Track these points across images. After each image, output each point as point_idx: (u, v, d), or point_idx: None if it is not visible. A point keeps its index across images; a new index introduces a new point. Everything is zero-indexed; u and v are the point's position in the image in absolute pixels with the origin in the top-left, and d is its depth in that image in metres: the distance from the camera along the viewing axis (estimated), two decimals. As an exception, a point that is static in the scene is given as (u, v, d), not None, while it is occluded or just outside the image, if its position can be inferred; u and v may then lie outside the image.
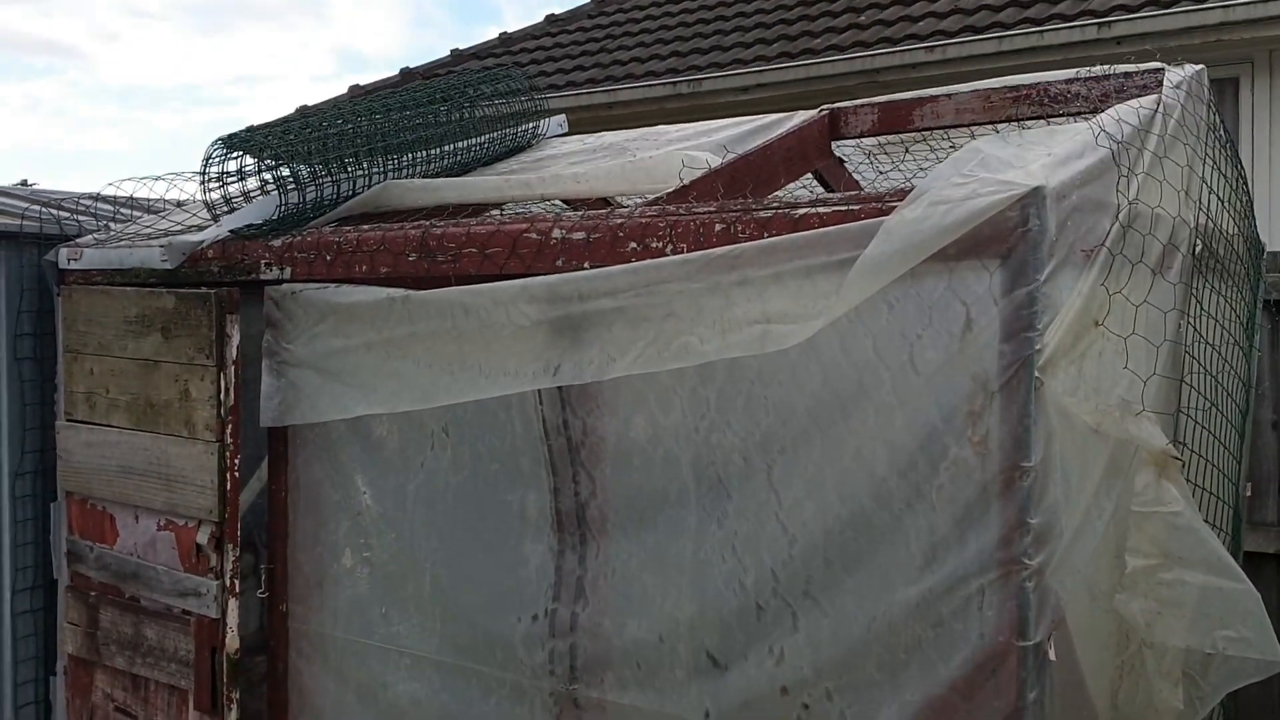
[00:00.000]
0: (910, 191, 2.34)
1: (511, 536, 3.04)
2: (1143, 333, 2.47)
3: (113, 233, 3.96)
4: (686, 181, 3.17)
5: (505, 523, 3.05)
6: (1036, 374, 2.24)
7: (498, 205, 3.79)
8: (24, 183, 7.45)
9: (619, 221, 2.75)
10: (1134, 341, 2.45)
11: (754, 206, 2.62)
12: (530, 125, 4.47)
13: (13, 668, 4.01)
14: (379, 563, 3.30)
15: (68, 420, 3.90)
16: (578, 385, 2.85)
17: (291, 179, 3.43)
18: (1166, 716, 2.65)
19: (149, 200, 4.19)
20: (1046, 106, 3.28)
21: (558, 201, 3.92)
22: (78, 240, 3.95)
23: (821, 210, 2.46)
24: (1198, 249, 2.94)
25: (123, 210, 4.29)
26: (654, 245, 2.65)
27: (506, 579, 3.04)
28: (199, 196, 3.56)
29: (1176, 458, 2.45)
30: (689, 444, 2.73)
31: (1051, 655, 2.31)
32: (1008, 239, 2.24)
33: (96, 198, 4.38)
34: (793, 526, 2.58)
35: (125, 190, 4.08)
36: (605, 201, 3.98)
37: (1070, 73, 3.31)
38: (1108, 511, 2.60)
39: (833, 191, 3.72)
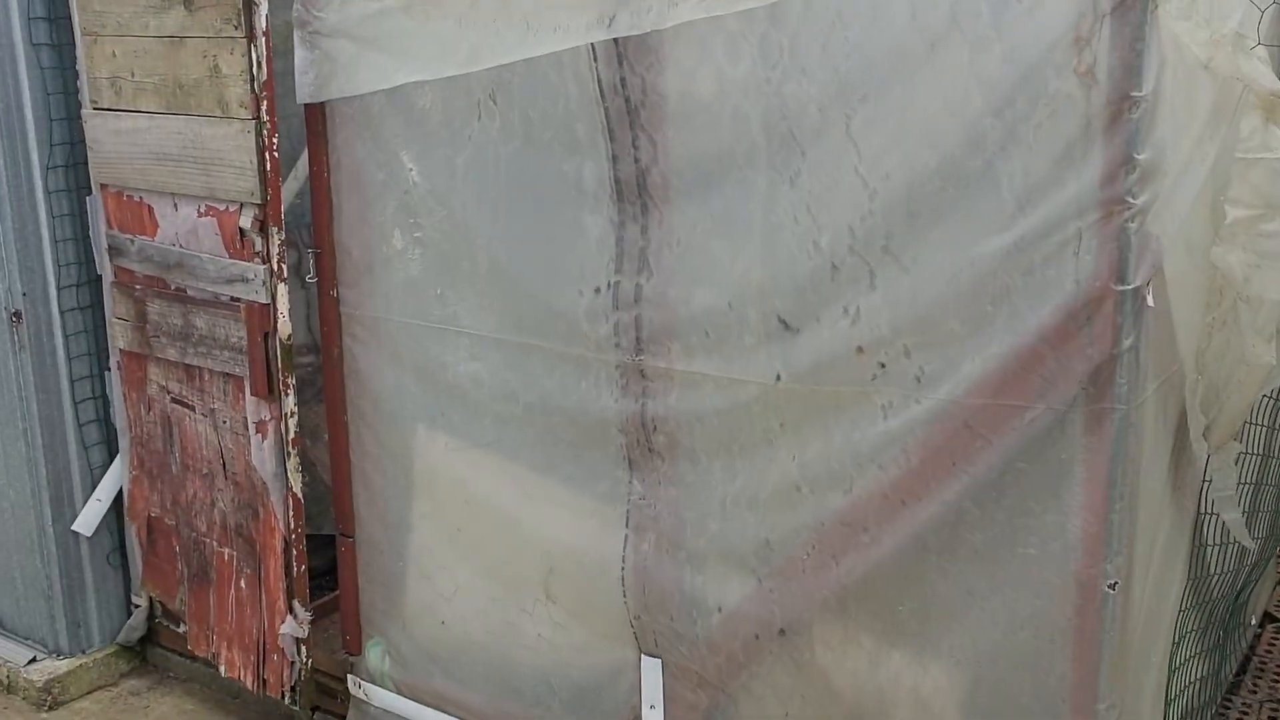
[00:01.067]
0: None
1: (569, 209, 2.90)
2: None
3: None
4: None
5: (562, 194, 2.90)
6: (1154, -8, 2.02)
7: None
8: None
9: None
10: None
11: None
12: None
13: (67, 364, 4.00)
14: (431, 242, 3.19)
15: (94, 108, 3.73)
16: (635, 37, 2.64)
17: None
18: (1257, 372, 2.56)
19: None
20: None
21: None
22: (83, -90, 3.66)
23: None
24: None
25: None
26: None
27: (565, 253, 2.93)
28: None
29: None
30: (759, 98, 2.55)
31: (1150, 301, 2.20)
32: None
33: None
34: (873, 180, 2.42)
35: None
36: None
37: None
38: (1210, 158, 2.43)
39: None
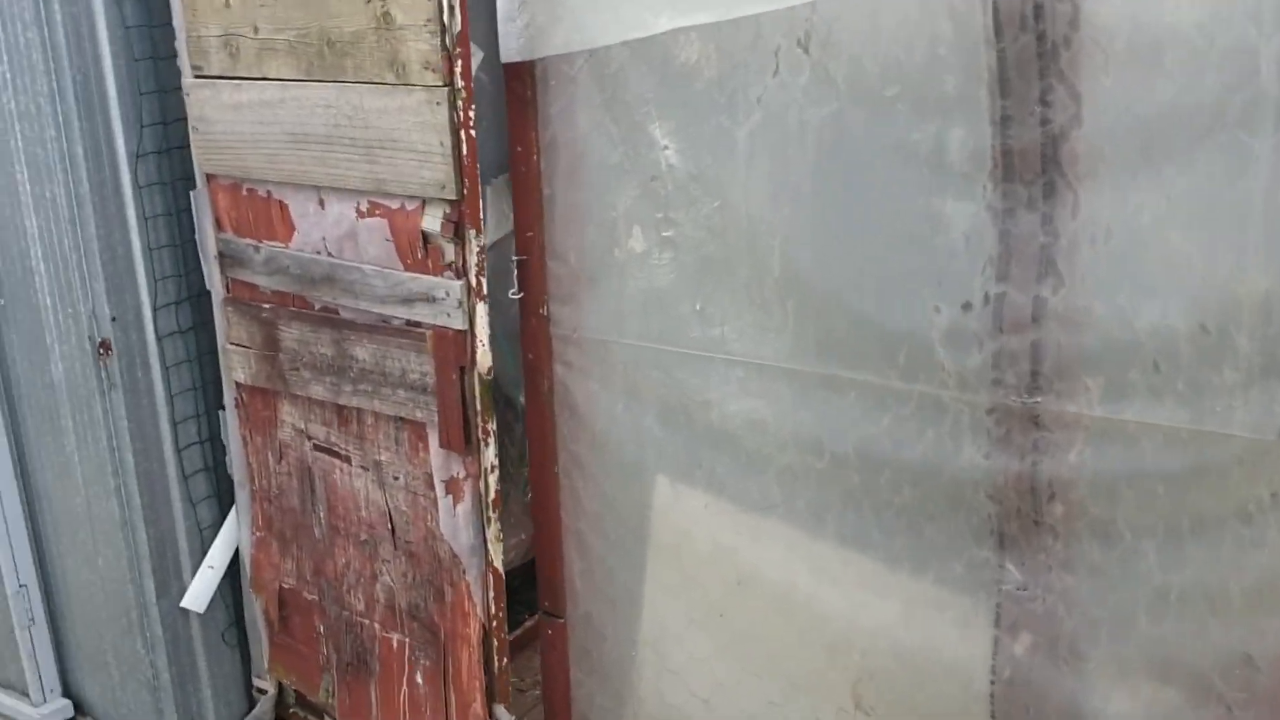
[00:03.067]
0: None
1: (918, 193, 2.10)
2: None
3: None
4: None
5: (907, 174, 2.10)
6: None
7: None
8: None
9: None
10: None
11: None
12: None
13: (167, 403, 3.18)
14: (690, 243, 2.38)
15: (198, 77, 2.88)
16: (1066, -53, 1.83)
17: None
18: None
19: None
20: None
21: None
22: None
23: None
24: None
25: None
26: None
27: (911, 255, 2.13)
28: None
29: None
30: (1274, 28, 1.74)
31: None
32: None
33: None
34: None
35: None
36: None
37: None
38: None
39: None
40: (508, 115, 2.54)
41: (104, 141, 2.97)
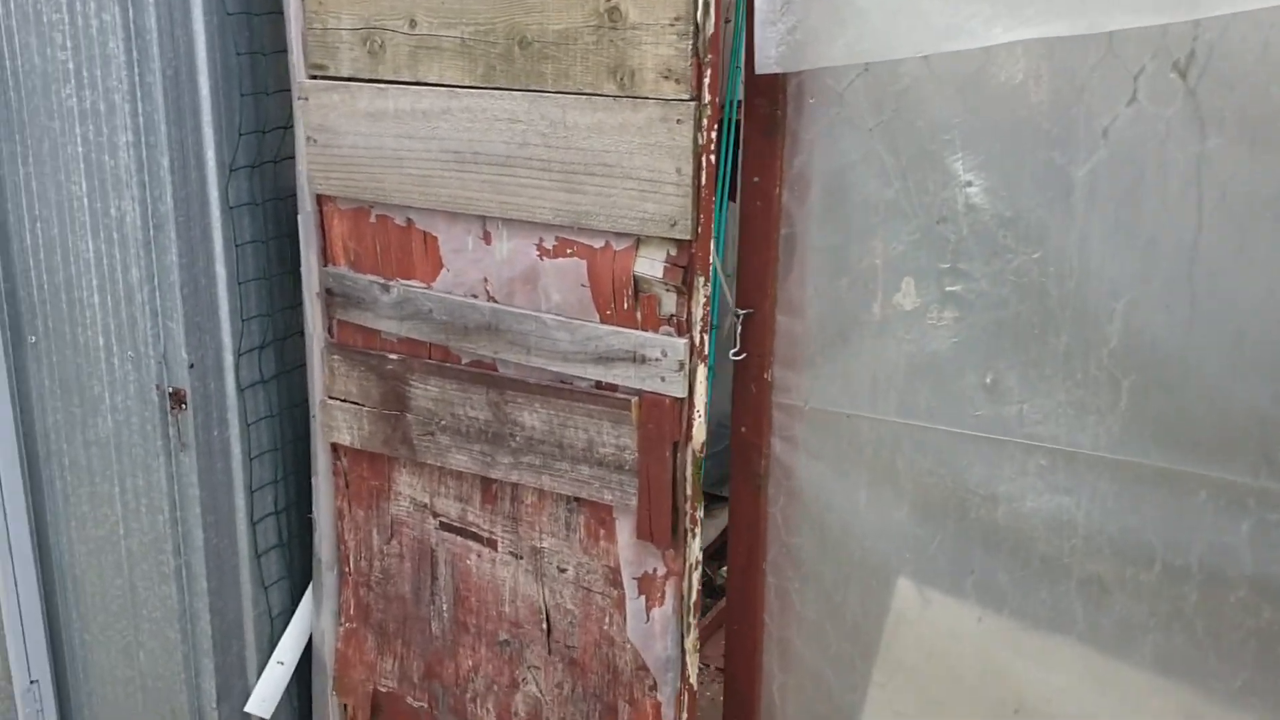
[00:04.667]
0: None
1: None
2: None
3: None
4: None
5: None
6: None
7: None
8: None
9: None
10: None
11: None
12: None
13: (244, 468, 2.63)
14: (986, 301, 1.96)
15: (319, 78, 2.37)
16: None
17: None
18: None
19: None
20: None
21: None
22: None
23: None
24: None
25: None
26: None
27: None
28: None
29: None
30: None
31: None
32: None
33: None
34: None
35: None
36: None
37: None
38: None
39: None
40: (745, 139, 2.09)
41: (193, 152, 2.43)
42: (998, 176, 1.90)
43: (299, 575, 2.82)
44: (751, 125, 2.07)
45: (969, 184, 1.92)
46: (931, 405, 2.04)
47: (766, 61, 1.95)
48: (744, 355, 2.16)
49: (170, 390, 2.53)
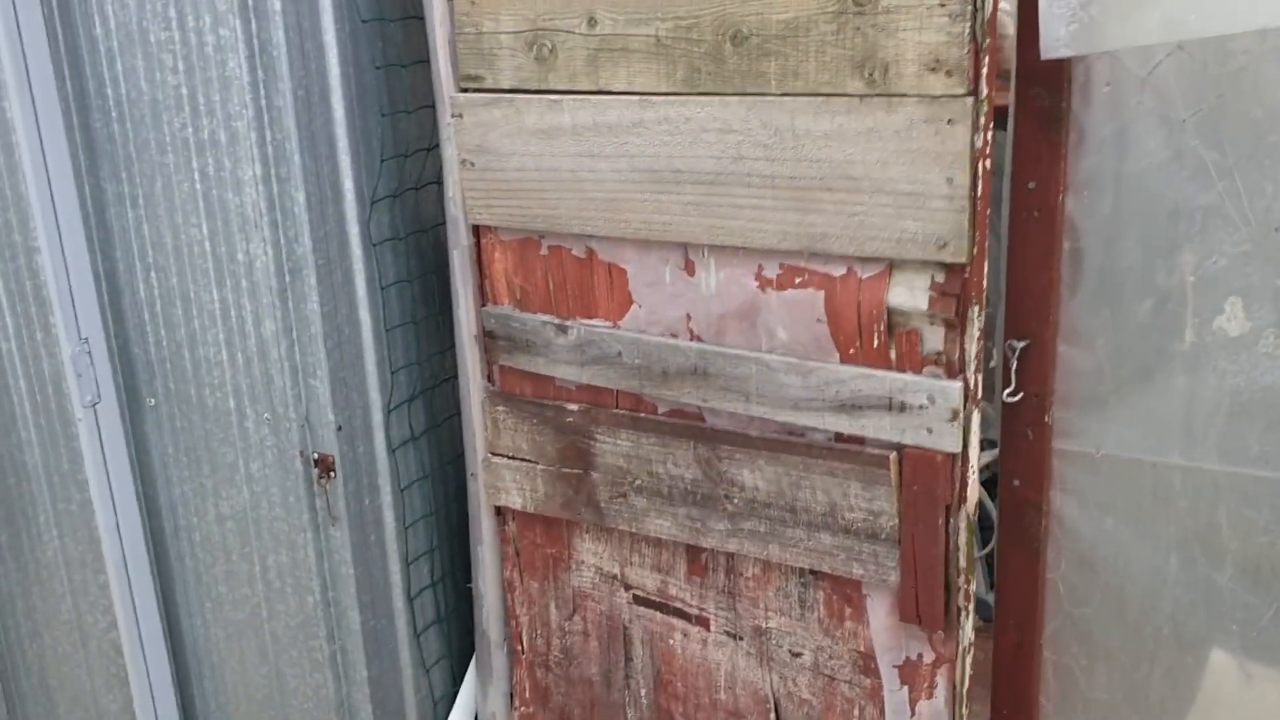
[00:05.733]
0: None
1: None
2: None
3: None
4: None
5: None
6: None
7: None
8: None
9: None
10: None
11: None
12: None
13: (399, 538, 2.31)
14: (1342, 324, 1.58)
15: (471, 90, 2.02)
16: None
17: None
18: None
19: None
20: None
21: None
22: None
23: None
24: None
25: None
26: None
27: None
28: None
29: None
30: None
31: None
32: None
33: None
34: None
35: None
36: None
37: None
38: None
39: None
40: (1016, 137, 1.72)
41: (329, 184, 2.10)
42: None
43: (458, 653, 2.51)
44: (1025, 121, 1.70)
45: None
46: (1266, 449, 1.67)
47: (1054, 43, 1.58)
48: (1019, 395, 1.79)
49: (315, 456, 2.20)
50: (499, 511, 2.29)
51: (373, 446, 2.25)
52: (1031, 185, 1.72)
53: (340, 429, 2.19)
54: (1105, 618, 1.86)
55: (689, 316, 1.93)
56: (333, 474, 2.21)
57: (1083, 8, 1.57)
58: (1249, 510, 1.71)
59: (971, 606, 1.81)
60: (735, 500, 1.94)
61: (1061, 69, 1.66)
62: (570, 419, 2.10)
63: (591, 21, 1.87)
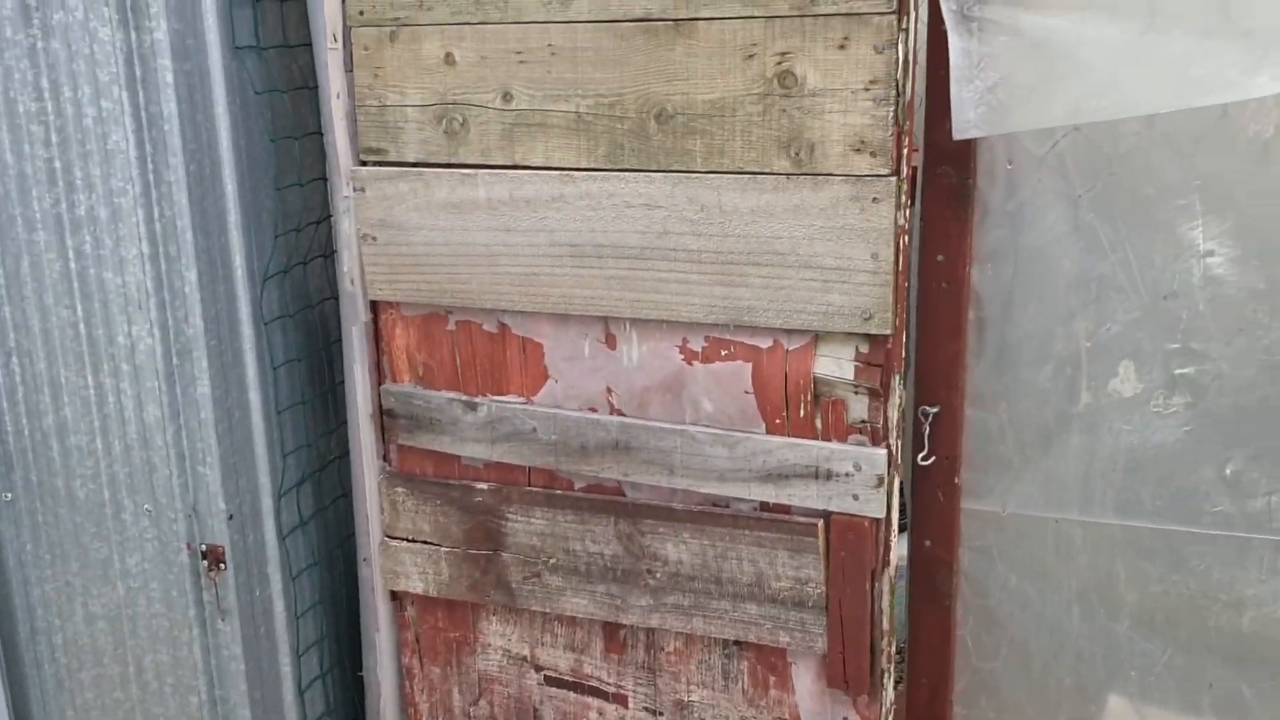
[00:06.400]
0: None
1: None
2: None
3: None
4: None
5: None
6: None
7: None
8: None
9: None
10: None
11: None
12: None
13: (290, 629, 2.21)
14: (1227, 384, 1.74)
15: (373, 162, 1.99)
16: None
17: None
18: None
19: None
20: None
21: None
22: None
23: None
24: None
25: None
26: None
27: None
28: None
29: None
30: None
31: None
32: None
33: None
34: None
35: None
36: None
37: None
38: None
39: None
40: (924, 212, 1.82)
41: (220, 260, 2.02)
42: (1249, 244, 1.67)
43: (348, 743, 2.40)
44: (934, 197, 1.80)
45: (1209, 254, 1.69)
46: (1158, 504, 1.80)
47: (965, 125, 1.68)
48: (931, 459, 1.87)
49: (204, 548, 2.09)
50: (396, 596, 2.21)
51: (263, 534, 2.15)
52: (941, 258, 1.81)
53: (231, 517, 2.08)
54: (1012, 671, 1.94)
55: (610, 390, 1.93)
56: (223, 565, 2.09)
57: (990, 91, 1.67)
58: (1144, 562, 1.83)
59: (893, 668, 1.86)
60: (658, 574, 1.94)
61: (968, 149, 1.76)
62: (478, 498, 2.06)
63: (507, 97, 1.87)
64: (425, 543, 2.13)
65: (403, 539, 2.15)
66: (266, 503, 2.14)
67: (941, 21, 1.66)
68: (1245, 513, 1.76)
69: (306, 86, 2.10)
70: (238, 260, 2.04)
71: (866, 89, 1.64)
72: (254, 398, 2.10)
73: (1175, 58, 1.57)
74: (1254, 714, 1.82)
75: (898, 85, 1.63)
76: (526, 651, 2.13)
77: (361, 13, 1.94)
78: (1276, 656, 1.79)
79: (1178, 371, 1.75)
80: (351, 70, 1.99)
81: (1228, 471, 1.76)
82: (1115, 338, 1.77)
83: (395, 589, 2.19)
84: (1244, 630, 1.80)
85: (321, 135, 2.09)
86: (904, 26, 1.61)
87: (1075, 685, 1.91)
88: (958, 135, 1.69)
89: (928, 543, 1.93)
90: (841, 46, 1.64)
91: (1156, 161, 1.69)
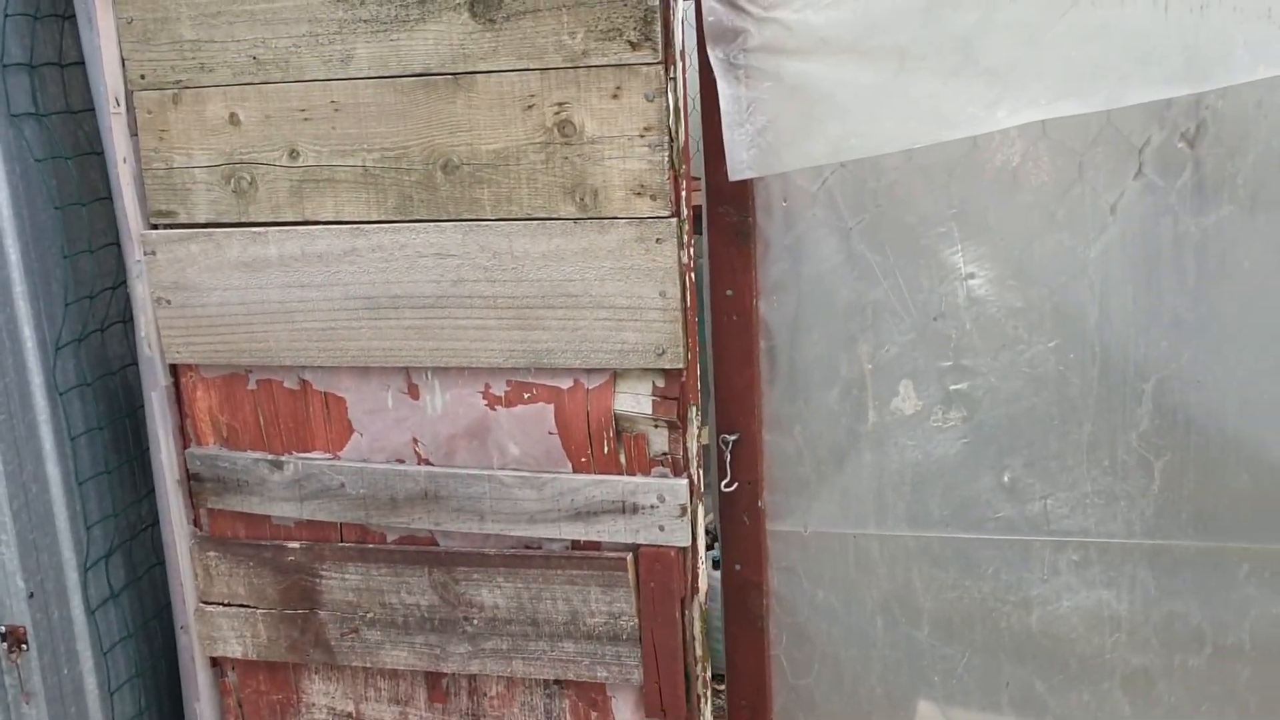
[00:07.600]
0: None
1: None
2: None
3: None
4: None
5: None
6: None
7: None
8: None
9: None
10: None
11: None
12: None
13: (104, 707, 2.14)
14: (996, 397, 1.85)
15: (163, 225, 1.98)
16: None
17: None
18: None
19: None
20: None
21: None
22: None
23: None
24: None
25: None
26: None
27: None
28: None
29: None
30: None
31: None
32: None
33: None
34: None
35: None
36: None
37: None
38: None
39: None
40: (710, 249, 1.89)
41: (6, 332, 1.96)
42: (1004, 266, 1.79)
43: (173, 820, 2.33)
44: (718, 235, 1.87)
45: (970, 276, 1.80)
46: (945, 514, 1.90)
47: (739, 166, 1.76)
48: (735, 485, 1.94)
49: (3, 629, 2.01)
50: (216, 662, 2.17)
51: (69, 610, 2.09)
52: (729, 292, 1.88)
53: (32, 595, 2.01)
54: (825, 685, 2.01)
55: (416, 440, 1.94)
56: (24, 646, 2.02)
57: (760, 134, 1.76)
58: (937, 570, 1.92)
59: (709, 693, 1.91)
60: (475, 621, 1.95)
61: (746, 188, 1.84)
62: (291, 558, 2.04)
63: (293, 154, 1.88)
64: (242, 606, 2.09)
65: (218, 604, 2.11)
66: (72, 577, 2.08)
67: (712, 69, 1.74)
68: (1025, 516, 1.87)
69: (94, 151, 2.07)
70: (26, 330, 1.99)
71: (642, 135, 1.71)
72: (52, 470, 2.04)
73: (924, 96, 1.67)
74: (1048, 707, 1.93)
75: (670, 131, 1.70)
76: (351, 708, 2.11)
77: (143, 76, 1.92)
78: (1063, 651, 1.90)
79: (952, 388, 1.85)
80: (137, 134, 1.97)
81: (1005, 479, 1.87)
82: (894, 359, 1.87)
83: (214, 654, 2.15)
84: (1033, 629, 1.90)
85: (111, 200, 2.06)
86: (672, 75, 1.68)
87: (885, 694, 1.99)
88: (733, 176, 1.77)
89: (738, 566, 1.99)
90: (615, 96, 1.70)
91: (916, 192, 1.79)
